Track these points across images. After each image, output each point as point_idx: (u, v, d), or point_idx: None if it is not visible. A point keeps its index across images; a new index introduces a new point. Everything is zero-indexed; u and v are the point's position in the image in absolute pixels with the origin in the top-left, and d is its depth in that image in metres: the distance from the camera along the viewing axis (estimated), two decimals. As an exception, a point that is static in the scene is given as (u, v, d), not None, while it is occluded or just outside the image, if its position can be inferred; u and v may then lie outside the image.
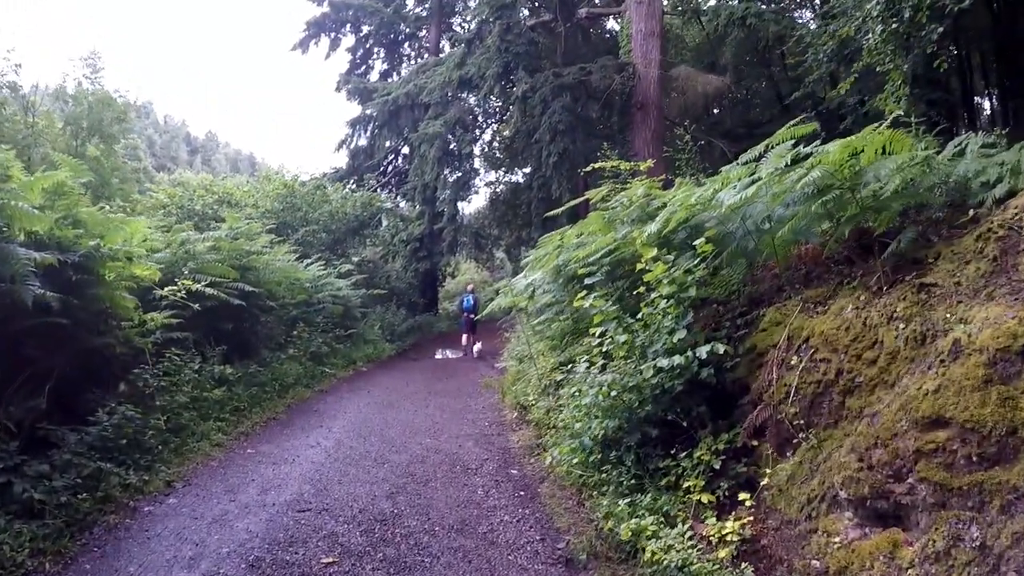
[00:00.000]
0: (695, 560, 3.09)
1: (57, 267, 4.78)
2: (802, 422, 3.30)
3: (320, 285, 12.05)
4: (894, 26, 5.62)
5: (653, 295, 4.04)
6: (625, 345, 3.93)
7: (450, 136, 17.83)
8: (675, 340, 3.75)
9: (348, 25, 22.46)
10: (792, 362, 3.46)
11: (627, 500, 3.67)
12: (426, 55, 22.56)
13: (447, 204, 18.11)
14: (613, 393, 3.87)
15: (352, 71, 23.11)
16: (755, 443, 3.60)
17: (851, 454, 2.89)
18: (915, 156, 3.63)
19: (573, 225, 7.24)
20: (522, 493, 4.85)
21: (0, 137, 9.67)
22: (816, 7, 16.46)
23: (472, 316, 14.91)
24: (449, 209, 18.13)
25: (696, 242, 3.87)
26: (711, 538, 3.25)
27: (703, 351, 3.56)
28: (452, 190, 18.07)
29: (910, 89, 6.10)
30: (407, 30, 23.32)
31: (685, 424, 3.75)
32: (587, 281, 4.88)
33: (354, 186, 19.54)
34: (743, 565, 3.03)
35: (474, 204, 29.12)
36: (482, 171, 23.26)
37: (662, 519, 3.39)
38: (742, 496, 3.31)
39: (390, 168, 22.79)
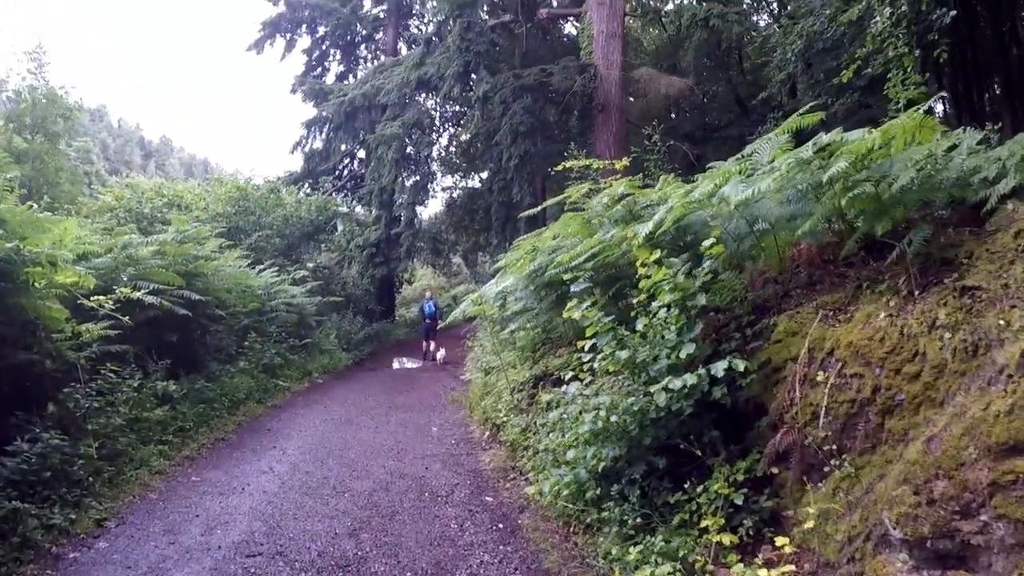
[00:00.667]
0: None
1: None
2: (834, 447, 2.89)
3: (273, 292, 11.46)
4: (903, 8, 5.42)
5: (653, 304, 3.56)
6: (625, 362, 3.39)
7: (407, 139, 17.45)
8: (682, 355, 3.27)
9: (304, 26, 21.77)
10: (817, 378, 3.05)
11: (633, 542, 3.16)
12: (383, 57, 21.99)
13: (405, 208, 17.80)
14: (613, 418, 3.34)
15: (308, 72, 22.39)
16: (775, 471, 3.17)
17: (904, 486, 2.48)
18: (936, 147, 3.33)
19: (547, 227, 6.76)
20: (501, 526, 4.39)
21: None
22: (774, 12, 16.58)
23: (434, 322, 14.66)
24: (407, 213, 17.79)
25: (706, 243, 3.38)
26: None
27: (719, 368, 3.06)
28: (410, 194, 17.70)
29: (922, 75, 5.90)
30: (364, 32, 22.76)
31: (698, 452, 3.26)
32: (573, 288, 4.37)
33: (309, 190, 18.95)
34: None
35: (430, 209, 28.63)
36: (439, 175, 22.71)
37: (679, 566, 2.89)
38: (773, 537, 2.84)
39: (346, 172, 22.12)
